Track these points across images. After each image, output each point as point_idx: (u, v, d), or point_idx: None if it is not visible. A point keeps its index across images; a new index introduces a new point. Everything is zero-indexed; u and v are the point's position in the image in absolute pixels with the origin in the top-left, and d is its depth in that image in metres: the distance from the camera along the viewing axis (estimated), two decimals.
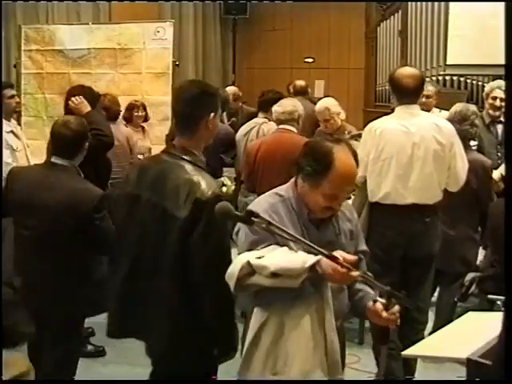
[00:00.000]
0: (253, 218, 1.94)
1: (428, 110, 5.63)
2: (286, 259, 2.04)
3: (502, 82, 5.11)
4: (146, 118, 6.25)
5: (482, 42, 6.92)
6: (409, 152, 3.40)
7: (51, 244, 3.03)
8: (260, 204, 2.22)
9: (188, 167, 2.43)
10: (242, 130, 5.21)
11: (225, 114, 5.64)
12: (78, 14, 8.75)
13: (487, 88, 5.28)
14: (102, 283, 3.33)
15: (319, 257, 1.99)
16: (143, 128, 6.23)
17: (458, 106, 4.15)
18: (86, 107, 4.08)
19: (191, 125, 2.48)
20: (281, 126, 4.30)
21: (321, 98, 5.82)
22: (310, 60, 9.92)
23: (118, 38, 7.19)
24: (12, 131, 4.47)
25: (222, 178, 5.32)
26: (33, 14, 8.47)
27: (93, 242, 3.08)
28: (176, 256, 2.34)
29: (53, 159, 3.16)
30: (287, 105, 4.31)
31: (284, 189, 2.28)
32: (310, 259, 2.00)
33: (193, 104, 2.46)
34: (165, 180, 2.42)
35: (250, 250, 2.11)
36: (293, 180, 2.28)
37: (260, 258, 2.05)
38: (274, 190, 2.29)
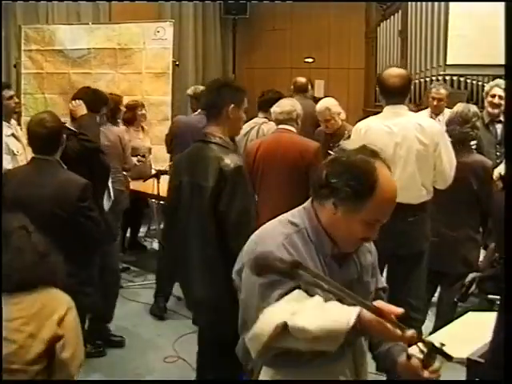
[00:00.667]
0: (298, 271, 1.57)
1: (440, 113, 5.71)
2: (326, 318, 1.63)
3: (501, 81, 5.13)
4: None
5: (482, 42, 6.92)
6: (391, 152, 3.43)
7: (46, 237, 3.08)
8: (273, 235, 1.83)
9: (214, 148, 2.90)
10: (242, 130, 5.21)
11: None
12: (78, 14, 8.74)
13: (487, 87, 5.32)
14: (94, 277, 3.38)
15: (358, 309, 1.61)
16: (143, 128, 6.23)
17: (459, 107, 4.14)
18: (82, 110, 4.01)
19: (214, 113, 2.96)
20: (280, 126, 4.30)
21: (321, 98, 5.82)
22: (310, 60, 9.92)
23: (118, 37, 7.20)
24: (13, 134, 4.43)
25: None
26: (33, 14, 8.46)
27: (83, 231, 3.13)
28: (210, 218, 2.82)
29: (35, 156, 3.27)
30: (285, 105, 4.32)
31: (297, 216, 1.89)
32: (351, 315, 1.60)
33: (213, 95, 2.97)
34: (197, 161, 2.93)
35: (263, 295, 1.73)
36: (308, 205, 1.90)
37: (294, 313, 1.64)
38: (286, 217, 1.90)
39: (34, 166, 3.26)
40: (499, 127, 4.98)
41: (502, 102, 4.89)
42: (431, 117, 5.77)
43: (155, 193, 5.21)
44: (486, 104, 5.03)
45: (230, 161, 2.83)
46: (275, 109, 4.32)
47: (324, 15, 9.63)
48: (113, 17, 8.92)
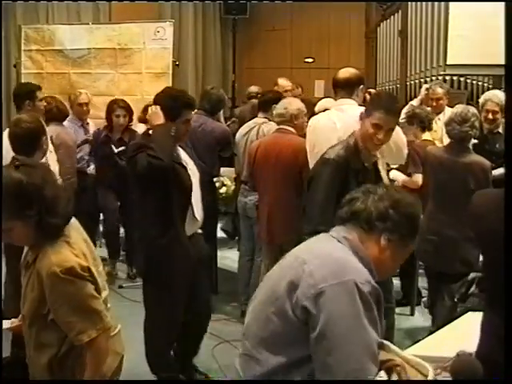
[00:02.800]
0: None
1: (440, 112, 5.71)
2: None
3: (494, 93, 5.15)
4: None
5: (482, 42, 6.91)
6: None
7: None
8: (357, 267, 1.78)
9: None
10: (242, 130, 5.21)
11: (221, 112, 5.66)
12: (78, 13, 8.75)
13: (481, 99, 5.28)
14: None
15: None
16: None
17: (458, 108, 4.18)
18: (158, 119, 3.32)
19: None
20: (280, 127, 4.34)
21: (321, 98, 5.82)
22: (310, 60, 9.93)
23: (118, 38, 7.20)
24: None
25: (222, 178, 5.34)
26: (33, 14, 8.47)
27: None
28: None
29: (14, 156, 3.19)
30: (279, 106, 4.40)
31: (348, 246, 1.87)
32: None
33: None
34: None
35: (368, 329, 1.69)
36: (351, 236, 1.89)
37: None
38: (347, 249, 1.86)
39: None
40: (497, 138, 4.93)
41: (498, 116, 4.90)
42: None
43: None
44: (482, 118, 5.00)
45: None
46: (274, 111, 4.40)
47: (324, 15, 9.64)
48: (113, 17, 8.93)
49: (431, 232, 3.90)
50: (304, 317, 1.71)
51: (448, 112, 5.56)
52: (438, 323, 4.02)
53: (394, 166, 4.65)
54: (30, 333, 2.23)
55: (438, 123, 5.77)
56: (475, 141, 4.34)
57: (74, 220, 2.24)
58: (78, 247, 2.14)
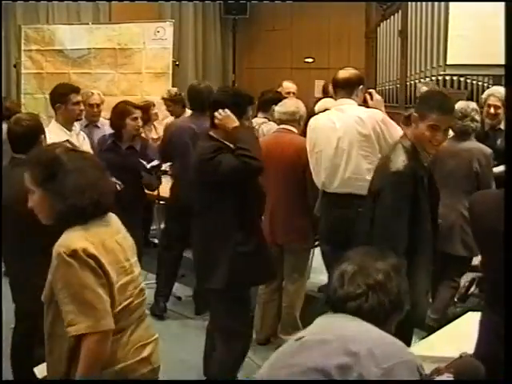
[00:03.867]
0: None
1: None
2: None
3: (497, 89, 5.14)
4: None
5: (482, 42, 6.91)
6: (334, 146, 3.74)
7: (11, 243, 3.08)
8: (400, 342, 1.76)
9: None
10: None
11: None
12: (78, 14, 8.76)
13: (484, 95, 5.31)
14: None
15: None
16: (155, 126, 6.25)
17: (459, 104, 4.30)
18: (233, 122, 3.20)
19: None
20: (281, 126, 4.30)
21: (321, 98, 5.82)
22: (310, 60, 9.92)
23: (118, 38, 7.20)
24: (68, 140, 3.84)
25: None
26: (33, 14, 8.48)
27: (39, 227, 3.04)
28: None
29: (12, 155, 3.25)
30: (290, 105, 4.33)
31: None
32: None
33: None
34: None
35: None
36: None
37: None
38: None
39: (11, 166, 3.23)
40: (498, 135, 4.93)
41: (500, 111, 4.90)
42: None
43: (155, 193, 5.20)
44: (484, 114, 5.01)
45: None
46: (279, 108, 4.32)
47: (324, 15, 9.64)
48: (113, 17, 8.93)
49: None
50: None
51: None
52: (438, 306, 4.22)
53: None
54: (46, 321, 2.17)
55: None
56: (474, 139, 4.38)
57: (111, 217, 2.25)
58: (98, 238, 2.11)
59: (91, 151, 4.09)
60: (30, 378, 3.07)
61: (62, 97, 4.28)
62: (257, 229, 3.30)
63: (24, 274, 3.08)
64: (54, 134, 3.94)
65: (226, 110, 3.19)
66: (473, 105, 4.38)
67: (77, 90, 4.38)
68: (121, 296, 2.12)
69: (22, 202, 2.98)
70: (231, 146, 3.18)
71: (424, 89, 5.91)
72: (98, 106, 5.65)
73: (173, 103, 6.02)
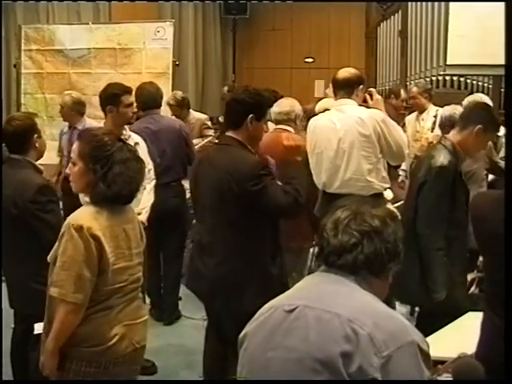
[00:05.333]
0: None
1: (422, 111, 5.75)
2: None
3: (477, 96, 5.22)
4: None
5: (483, 42, 6.91)
6: (334, 146, 3.73)
7: (7, 247, 3.06)
8: (410, 326, 1.69)
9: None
10: None
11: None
12: (78, 13, 8.75)
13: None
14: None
15: None
16: None
17: (445, 110, 4.32)
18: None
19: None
20: (278, 126, 4.31)
21: (321, 99, 5.81)
22: (310, 60, 9.92)
23: (118, 37, 7.20)
24: None
25: None
26: (33, 14, 8.47)
27: (34, 232, 3.01)
28: None
29: (10, 156, 3.23)
30: (284, 105, 4.33)
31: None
32: None
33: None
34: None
35: None
36: (363, 282, 1.78)
37: None
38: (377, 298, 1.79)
39: (6, 167, 3.20)
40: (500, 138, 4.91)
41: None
42: (416, 116, 5.88)
43: None
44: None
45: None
46: (274, 109, 4.32)
47: (324, 15, 9.64)
48: (113, 17, 8.92)
49: None
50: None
51: (433, 111, 5.61)
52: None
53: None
54: (49, 281, 2.35)
55: (421, 123, 5.80)
56: None
57: (129, 207, 2.45)
58: (107, 222, 2.30)
59: (147, 156, 3.86)
60: (30, 378, 3.08)
61: (114, 98, 3.83)
62: (281, 249, 3.14)
63: (20, 278, 3.06)
64: None
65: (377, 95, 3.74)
66: (460, 109, 4.22)
67: (130, 91, 3.97)
68: (116, 277, 2.31)
69: (17, 206, 3.00)
70: (250, 148, 3.04)
71: (415, 89, 5.91)
72: (63, 108, 5.50)
73: (180, 108, 6.02)
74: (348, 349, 1.54)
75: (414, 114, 5.92)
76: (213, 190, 2.99)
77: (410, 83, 7.81)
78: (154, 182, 4.02)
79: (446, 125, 4.06)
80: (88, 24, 7.56)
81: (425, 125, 5.75)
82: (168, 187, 4.40)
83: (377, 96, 3.92)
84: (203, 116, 6.34)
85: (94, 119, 6.17)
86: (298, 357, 1.60)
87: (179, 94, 6.23)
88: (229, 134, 3.07)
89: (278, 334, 1.67)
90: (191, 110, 6.25)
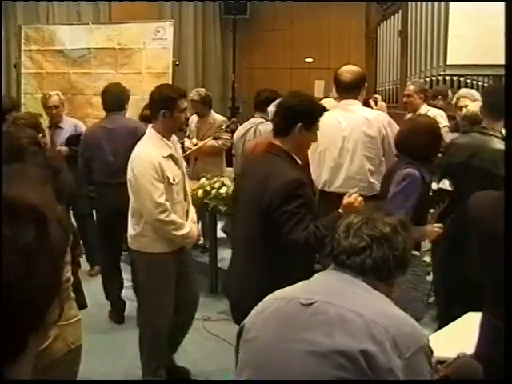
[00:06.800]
0: None
1: (415, 110, 5.69)
2: None
3: (468, 91, 5.22)
4: None
5: (482, 42, 6.91)
6: (339, 145, 3.74)
7: None
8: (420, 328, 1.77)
9: None
10: (239, 131, 5.21)
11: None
12: (78, 13, 8.75)
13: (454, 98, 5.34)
14: None
15: None
16: None
17: (474, 107, 4.25)
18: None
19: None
20: None
21: (321, 99, 5.81)
22: (310, 60, 9.92)
23: (118, 38, 7.20)
24: (171, 155, 3.47)
25: (222, 178, 5.34)
26: (33, 14, 8.47)
27: None
28: None
29: None
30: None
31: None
32: None
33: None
34: None
35: None
36: (369, 287, 1.82)
37: None
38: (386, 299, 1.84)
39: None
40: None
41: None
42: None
43: None
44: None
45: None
46: (271, 109, 4.35)
47: (324, 15, 9.63)
48: (113, 17, 8.92)
49: None
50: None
51: (425, 110, 5.58)
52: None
53: None
54: None
55: None
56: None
57: None
58: None
59: (183, 162, 3.74)
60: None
61: (170, 102, 3.48)
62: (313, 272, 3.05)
63: None
64: (153, 146, 3.45)
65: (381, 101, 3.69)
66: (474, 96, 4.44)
67: (185, 95, 3.69)
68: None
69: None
70: (297, 159, 2.91)
71: (412, 87, 5.84)
72: (57, 107, 5.57)
73: (202, 104, 6.02)
74: (372, 348, 1.58)
75: (409, 115, 5.88)
76: (247, 201, 2.86)
77: None
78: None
79: (466, 119, 4.10)
80: (88, 24, 7.56)
81: None
82: (121, 187, 3.71)
83: (381, 102, 3.94)
84: (222, 118, 6.27)
85: (95, 119, 6.19)
86: (321, 351, 1.62)
87: (203, 90, 6.23)
88: (276, 142, 2.92)
89: (295, 327, 1.69)
90: (212, 111, 6.23)
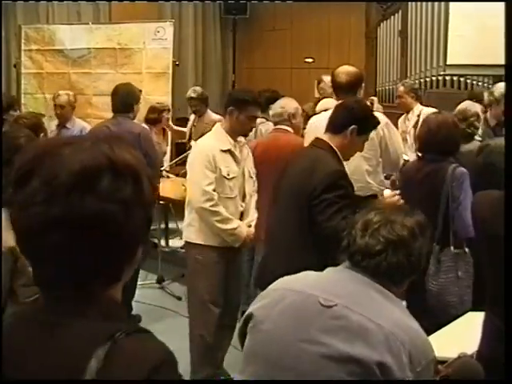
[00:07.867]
0: None
1: (408, 110, 5.71)
2: None
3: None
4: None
5: (482, 42, 6.91)
6: None
7: None
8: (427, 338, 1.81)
9: None
10: None
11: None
12: (78, 13, 8.74)
13: (498, 94, 5.16)
14: None
15: None
16: (164, 130, 6.22)
17: (462, 105, 4.25)
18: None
19: None
20: (278, 126, 4.32)
21: (321, 99, 5.81)
22: (310, 60, 9.92)
23: (118, 37, 7.20)
24: (229, 150, 3.52)
25: None
26: (33, 14, 8.47)
27: None
28: None
29: None
30: (276, 107, 4.37)
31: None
32: None
33: None
34: None
35: None
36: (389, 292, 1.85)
37: None
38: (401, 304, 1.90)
39: None
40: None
41: None
42: (405, 116, 5.83)
43: (155, 193, 5.20)
44: (498, 111, 4.86)
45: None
46: (270, 111, 4.39)
47: (324, 15, 9.63)
48: (113, 17, 8.92)
49: None
50: None
51: (417, 111, 5.58)
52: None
53: None
54: None
55: (407, 123, 5.76)
56: (479, 138, 4.29)
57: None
58: None
59: (253, 167, 3.78)
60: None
61: (241, 103, 3.52)
62: None
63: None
64: (214, 138, 3.54)
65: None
66: (475, 108, 4.19)
67: (259, 104, 3.69)
68: None
69: None
70: (340, 157, 2.93)
71: (402, 88, 5.85)
72: (63, 107, 5.57)
73: (200, 102, 6.03)
74: (389, 361, 1.59)
75: (404, 116, 5.90)
76: (289, 191, 2.91)
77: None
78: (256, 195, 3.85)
79: (459, 119, 4.02)
80: (88, 24, 7.57)
81: (409, 124, 5.73)
82: None
83: (377, 104, 3.94)
84: (219, 117, 6.30)
85: (95, 119, 6.19)
86: (338, 357, 1.63)
87: (199, 88, 6.34)
88: (324, 137, 2.96)
89: (313, 327, 1.68)
90: (209, 110, 6.23)
